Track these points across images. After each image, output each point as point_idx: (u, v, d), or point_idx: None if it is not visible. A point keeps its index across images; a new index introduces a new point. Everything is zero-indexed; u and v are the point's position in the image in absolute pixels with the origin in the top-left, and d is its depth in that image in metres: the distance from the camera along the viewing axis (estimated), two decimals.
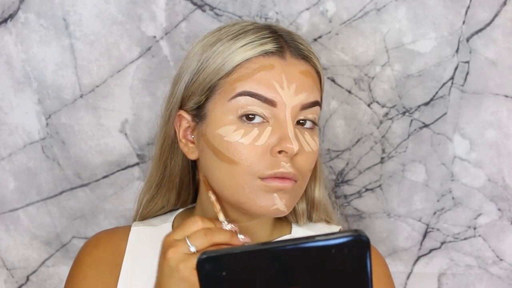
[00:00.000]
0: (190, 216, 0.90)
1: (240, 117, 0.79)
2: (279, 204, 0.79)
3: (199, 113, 0.83)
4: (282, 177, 0.79)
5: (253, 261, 0.54)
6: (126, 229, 0.91)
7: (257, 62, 0.80)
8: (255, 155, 0.78)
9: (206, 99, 0.82)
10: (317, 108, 0.83)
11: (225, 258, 0.54)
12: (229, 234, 0.73)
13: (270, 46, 0.81)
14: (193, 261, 0.69)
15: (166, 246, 0.72)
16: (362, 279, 0.54)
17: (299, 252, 0.54)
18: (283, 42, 0.83)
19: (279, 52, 0.81)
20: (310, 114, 0.82)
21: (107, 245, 0.90)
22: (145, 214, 0.94)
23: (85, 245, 0.92)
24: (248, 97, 0.79)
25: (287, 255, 0.54)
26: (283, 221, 0.92)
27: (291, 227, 0.91)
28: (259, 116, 0.79)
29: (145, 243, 0.89)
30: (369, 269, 0.54)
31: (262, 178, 0.78)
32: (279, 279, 0.54)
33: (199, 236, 0.72)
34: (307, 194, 0.91)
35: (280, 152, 0.78)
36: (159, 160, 0.91)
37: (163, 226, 0.91)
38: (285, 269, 0.54)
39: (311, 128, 0.83)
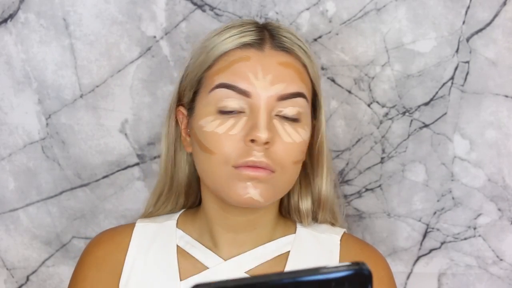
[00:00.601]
0: (195, 215, 0.91)
1: (218, 108, 0.81)
2: (253, 193, 0.79)
3: (191, 107, 0.86)
4: (254, 166, 0.79)
5: None
6: (130, 226, 0.92)
7: (235, 54, 0.82)
8: (229, 144, 0.79)
9: (195, 92, 0.85)
10: (299, 99, 0.82)
11: None
12: None
13: (248, 39, 0.82)
14: None
15: None
16: None
17: (297, 286, 0.51)
18: (265, 35, 0.84)
19: (257, 44, 0.82)
20: (291, 105, 0.82)
21: (109, 244, 0.90)
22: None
23: (88, 245, 0.92)
24: (224, 89, 0.81)
25: None
26: (288, 220, 0.92)
27: (296, 227, 0.91)
28: (235, 109, 0.80)
29: (149, 238, 0.90)
30: None
31: (236, 167, 0.79)
32: None
33: None
34: (313, 190, 0.91)
35: (252, 141, 0.79)
36: (166, 157, 0.92)
37: (167, 223, 0.91)
38: None
39: (294, 120, 0.82)
